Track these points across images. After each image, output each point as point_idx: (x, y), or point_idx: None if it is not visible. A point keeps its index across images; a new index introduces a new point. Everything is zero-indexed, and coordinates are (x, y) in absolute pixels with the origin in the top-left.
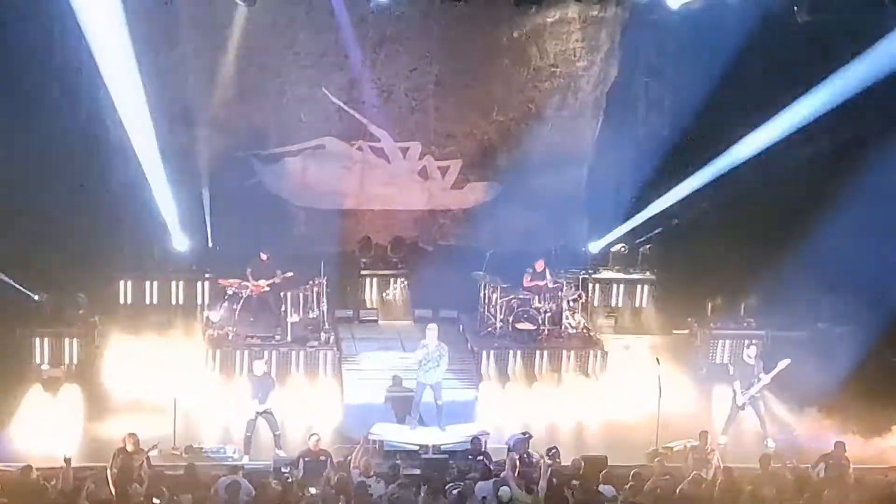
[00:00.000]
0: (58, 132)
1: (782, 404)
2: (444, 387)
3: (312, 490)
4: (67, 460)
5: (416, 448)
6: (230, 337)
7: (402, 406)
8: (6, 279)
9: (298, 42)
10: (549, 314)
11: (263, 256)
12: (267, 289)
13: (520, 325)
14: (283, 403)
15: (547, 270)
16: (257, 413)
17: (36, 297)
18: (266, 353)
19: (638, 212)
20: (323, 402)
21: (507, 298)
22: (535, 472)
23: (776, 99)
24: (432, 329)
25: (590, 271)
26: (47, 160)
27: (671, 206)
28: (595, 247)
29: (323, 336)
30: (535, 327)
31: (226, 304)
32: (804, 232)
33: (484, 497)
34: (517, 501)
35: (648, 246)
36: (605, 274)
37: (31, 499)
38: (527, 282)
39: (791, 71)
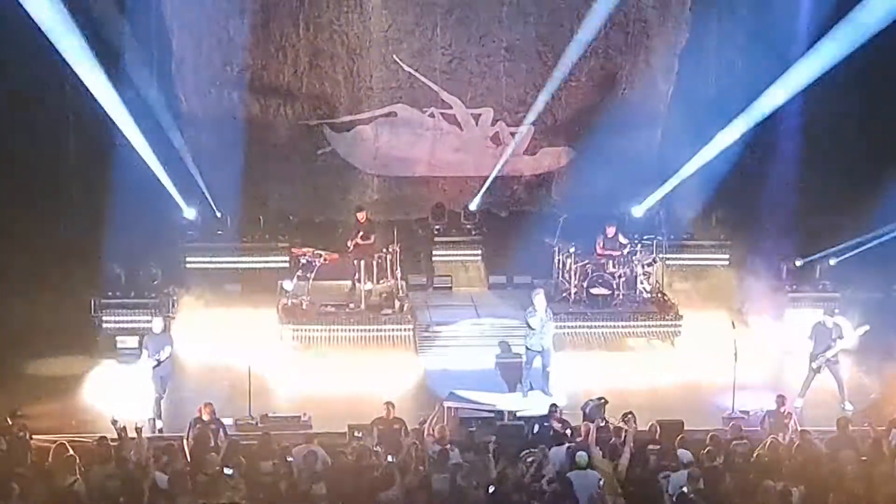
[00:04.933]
0: (127, 103)
1: (860, 367)
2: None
3: (390, 458)
4: (138, 430)
5: (493, 415)
6: (304, 306)
7: (506, 373)
8: None
9: (368, 10)
10: (623, 279)
11: (361, 217)
12: (349, 248)
13: (594, 291)
14: (358, 371)
15: (620, 235)
16: (153, 369)
17: (111, 269)
18: (340, 321)
19: (712, 175)
20: (398, 369)
21: (581, 264)
22: (612, 437)
23: (851, 58)
24: (540, 294)
25: (664, 235)
26: (116, 131)
27: (745, 168)
28: (669, 210)
29: (397, 304)
30: (609, 292)
31: (300, 272)
32: (881, 193)
33: (560, 463)
34: (595, 467)
35: (723, 209)
36: (680, 238)
37: (107, 470)
38: (599, 248)
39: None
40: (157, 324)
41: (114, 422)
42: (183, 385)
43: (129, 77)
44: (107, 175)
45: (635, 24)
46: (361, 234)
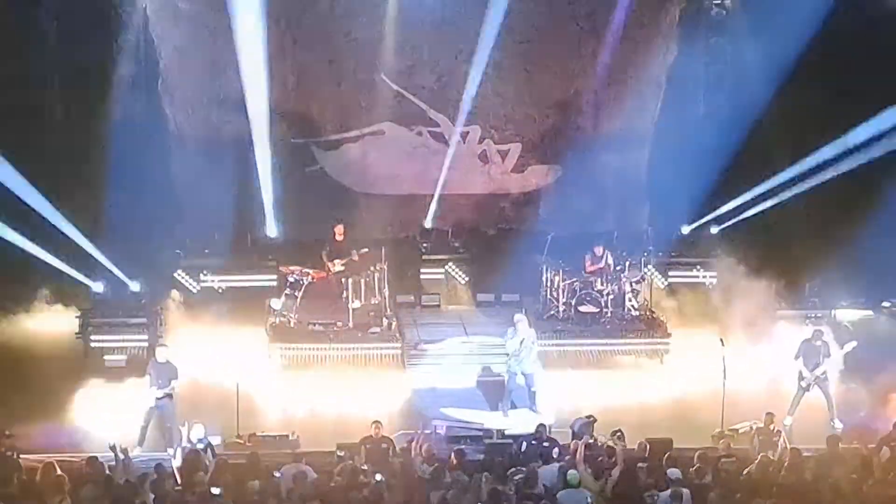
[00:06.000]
0: (117, 123)
1: (849, 384)
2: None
3: (378, 476)
4: (124, 450)
5: (481, 433)
6: (292, 324)
7: (493, 392)
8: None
9: (356, 28)
10: (611, 296)
11: (339, 236)
12: (340, 269)
13: (582, 308)
14: (346, 390)
15: (608, 253)
16: (157, 400)
17: (98, 288)
18: (328, 339)
19: (699, 193)
20: (386, 387)
21: (569, 281)
22: (601, 455)
23: (839, 77)
24: (522, 319)
25: (652, 253)
26: (105, 151)
27: (734, 186)
28: (657, 228)
29: (385, 322)
30: (597, 310)
31: (288, 291)
32: (869, 210)
33: (549, 482)
34: (585, 486)
35: (711, 226)
36: (668, 256)
37: (96, 489)
38: (588, 266)
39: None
40: (161, 353)
41: (112, 447)
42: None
43: (118, 97)
44: (94, 193)
45: (623, 42)
46: (349, 253)
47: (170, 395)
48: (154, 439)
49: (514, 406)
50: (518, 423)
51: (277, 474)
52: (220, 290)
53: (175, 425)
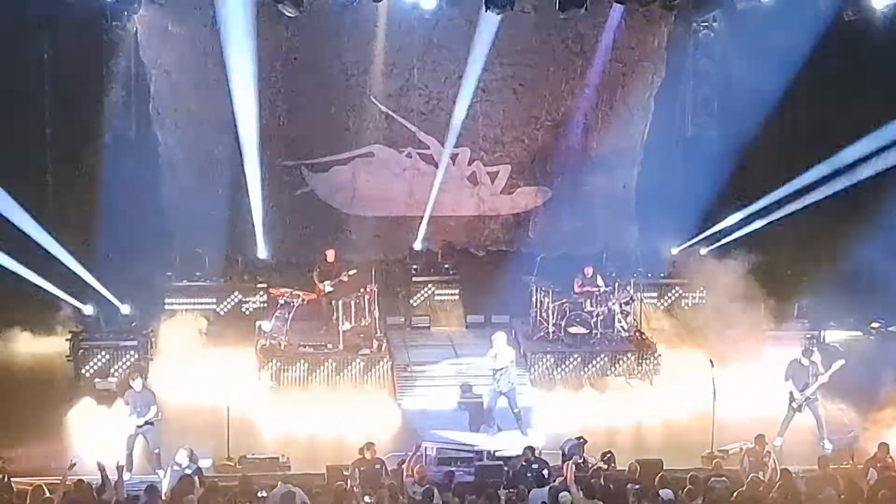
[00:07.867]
0: (109, 145)
1: (838, 405)
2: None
3: (367, 499)
4: (120, 468)
5: (472, 455)
6: (282, 346)
7: (474, 412)
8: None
9: (345, 51)
10: (601, 317)
11: (330, 257)
12: (330, 290)
13: (572, 329)
14: (336, 411)
15: (598, 275)
16: (137, 427)
17: (89, 310)
18: (318, 361)
19: (688, 214)
20: (377, 409)
21: (558, 302)
22: (592, 477)
23: (824, 98)
24: (500, 337)
25: (641, 274)
26: (98, 172)
27: (722, 207)
28: (646, 249)
29: (375, 343)
30: (587, 331)
31: (278, 313)
32: (857, 230)
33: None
34: None
35: (700, 248)
36: (657, 276)
37: None
38: (577, 287)
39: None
40: (137, 383)
41: (101, 468)
42: (161, 427)
43: (109, 120)
44: (85, 216)
45: (611, 65)
46: (339, 274)
47: (150, 423)
48: (143, 464)
49: (501, 428)
50: (509, 444)
51: (263, 494)
52: (210, 312)
53: (161, 449)
